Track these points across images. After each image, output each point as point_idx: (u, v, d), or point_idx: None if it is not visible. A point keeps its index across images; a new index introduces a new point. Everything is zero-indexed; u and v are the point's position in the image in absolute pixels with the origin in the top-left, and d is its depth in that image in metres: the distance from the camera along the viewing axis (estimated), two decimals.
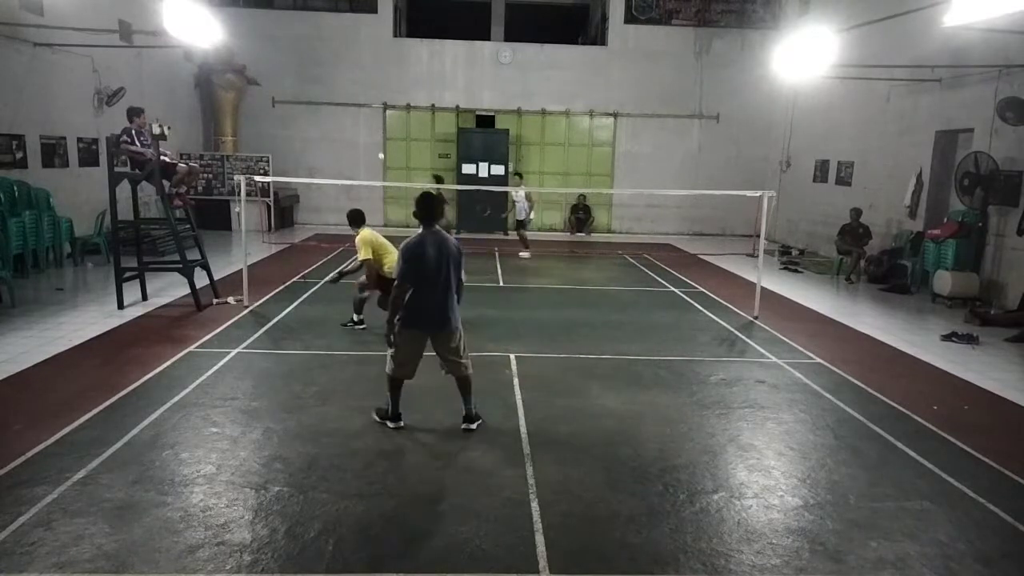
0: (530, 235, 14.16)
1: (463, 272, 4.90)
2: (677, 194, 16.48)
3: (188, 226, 9.27)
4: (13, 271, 9.40)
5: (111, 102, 12.36)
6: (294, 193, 17.43)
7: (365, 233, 7.32)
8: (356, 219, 7.49)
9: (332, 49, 17.14)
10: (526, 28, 18.72)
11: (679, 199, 17.55)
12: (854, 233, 12.15)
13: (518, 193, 13.63)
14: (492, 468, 4.46)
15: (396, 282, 4.73)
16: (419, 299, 4.72)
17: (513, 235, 14.60)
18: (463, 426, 5.00)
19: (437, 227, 4.78)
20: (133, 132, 8.34)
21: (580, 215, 17.74)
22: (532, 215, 14.02)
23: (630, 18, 17.52)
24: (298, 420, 5.13)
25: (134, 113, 8.44)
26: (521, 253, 13.46)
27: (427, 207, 4.74)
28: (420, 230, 4.73)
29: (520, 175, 15.03)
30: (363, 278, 7.47)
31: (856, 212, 12.31)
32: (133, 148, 8.33)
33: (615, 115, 17.87)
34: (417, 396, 5.78)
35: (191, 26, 9.79)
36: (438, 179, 12.34)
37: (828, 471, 4.59)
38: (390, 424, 5.04)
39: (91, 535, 3.56)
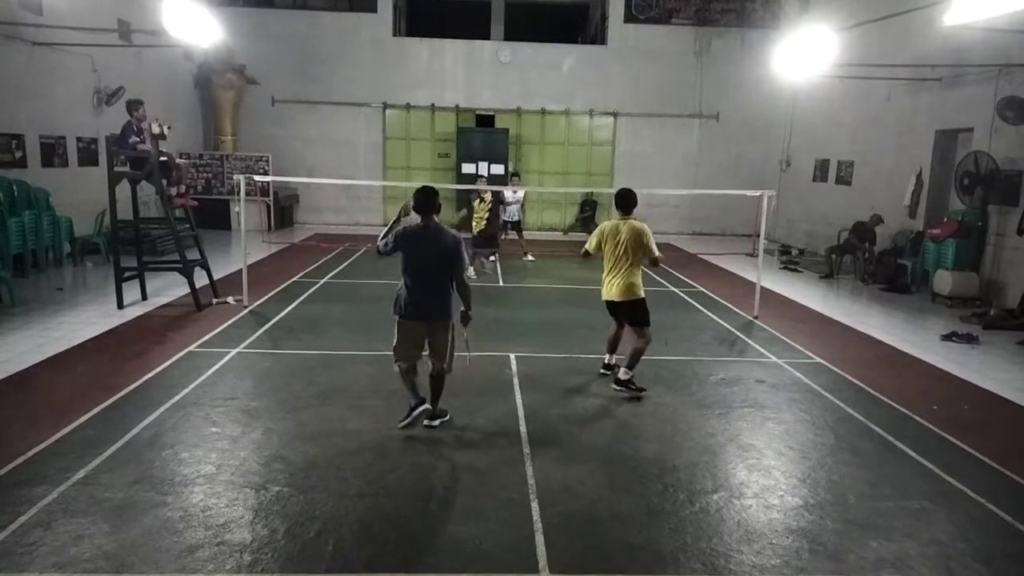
0: (529, 234, 13.96)
1: (465, 269, 4.96)
2: (677, 194, 16.44)
3: (188, 226, 9.26)
4: (13, 271, 9.39)
5: (110, 101, 12.34)
6: (294, 193, 17.41)
7: None
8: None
9: (332, 48, 17.12)
10: (526, 27, 18.69)
11: (679, 199, 17.51)
12: (862, 234, 12.04)
13: (517, 193, 12.89)
14: (492, 468, 4.46)
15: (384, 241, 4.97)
16: (411, 290, 4.86)
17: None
18: (424, 422, 5.07)
19: (436, 219, 4.89)
20: (135, 128, 8.25)
21: (587, 212, 17.65)
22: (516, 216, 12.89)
23: (630, 17, 17.50)
24: (298, 420, 5.13)
25: (133, 106, 8.35)
26: (528, 256, 12.90)
27: (424, 201, 4.89)
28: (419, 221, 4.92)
29: (517, 175, 14.48)
30: None
31: (877, 218, 11.96)
32: (142, 147, 8.18)
33: (615, 114, 17.85)
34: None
35: (191, 25, 9.76)
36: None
37: (828, 471, 4.59)
38: (413, 417, 5.08)
39: (91, 535, 3.56)
